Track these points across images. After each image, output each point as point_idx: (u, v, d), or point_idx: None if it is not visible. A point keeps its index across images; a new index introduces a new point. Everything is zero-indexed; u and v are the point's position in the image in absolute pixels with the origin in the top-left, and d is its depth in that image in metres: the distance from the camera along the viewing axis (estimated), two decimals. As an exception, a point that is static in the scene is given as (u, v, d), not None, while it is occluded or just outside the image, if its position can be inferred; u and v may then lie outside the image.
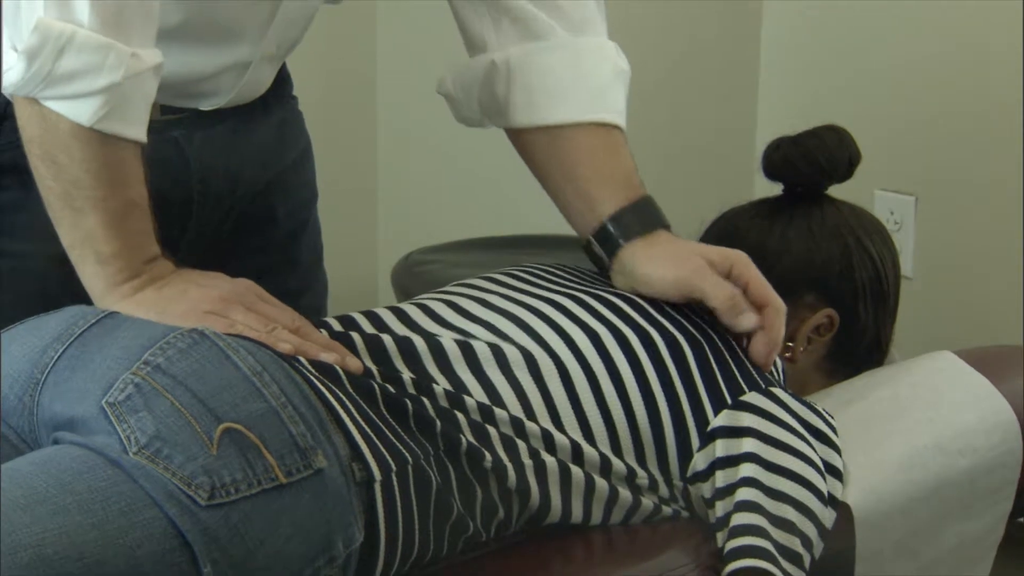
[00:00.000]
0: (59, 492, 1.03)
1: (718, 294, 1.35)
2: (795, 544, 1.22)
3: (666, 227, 1.43)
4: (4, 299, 1.33)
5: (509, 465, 1.20)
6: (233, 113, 1.46)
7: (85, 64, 1.18)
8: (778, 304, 1.37)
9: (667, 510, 1.30)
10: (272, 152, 1.55)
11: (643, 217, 1.42)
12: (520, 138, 1.49)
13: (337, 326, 1.31)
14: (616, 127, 1.46)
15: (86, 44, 1.18)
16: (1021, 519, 1.50)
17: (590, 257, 1.46)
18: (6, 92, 1.22)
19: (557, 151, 1.46)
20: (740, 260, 1.38)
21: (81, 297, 1.25)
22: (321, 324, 1.31)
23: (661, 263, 1.38)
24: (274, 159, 1.55)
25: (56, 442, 1.12)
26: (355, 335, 1.27)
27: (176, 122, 1.29)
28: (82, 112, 1.19)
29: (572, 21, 1.47)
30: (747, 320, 1.35)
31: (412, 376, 1.22)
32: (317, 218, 1.64)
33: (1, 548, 0.98)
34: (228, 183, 1.47)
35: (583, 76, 1.46)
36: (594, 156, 1.45)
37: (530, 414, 1.24)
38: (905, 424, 1.42)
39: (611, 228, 1.41)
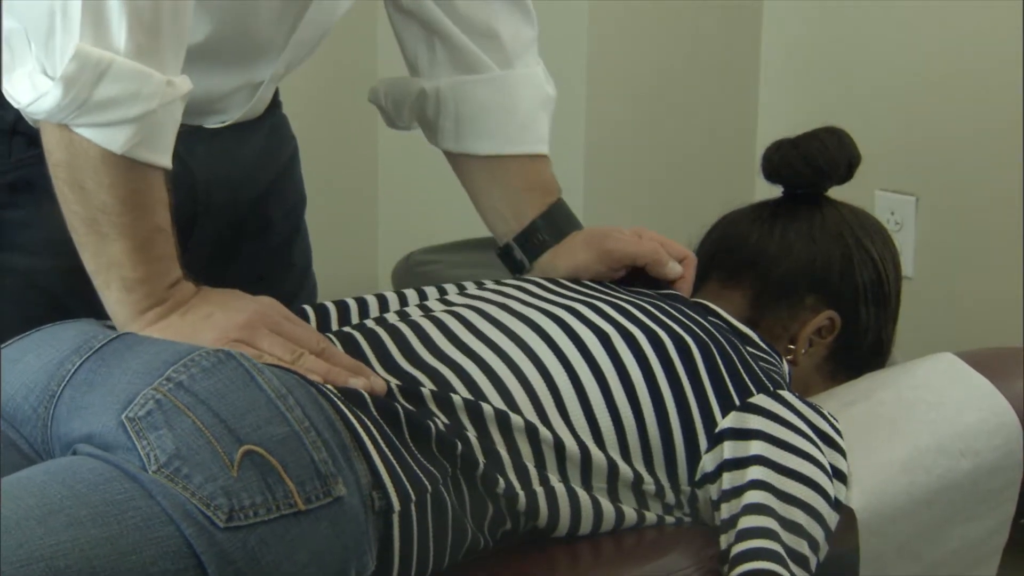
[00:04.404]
0: (74, 503, 1.02)
1: (644, 250, 1.47)
2: (803, 547, 1.22)
3: (579, 227, 1.55)
4: (16, 316, 1.32)
5: (521, 492, 1.20)
6: (231, 126, 1.46)
7: (122, 92, 1.17)
8: (692, 255, 1.51)
9: (670, 520, 1.30)
10: (267, 159, 1.55)
11: (564, 221, 1.54)
12: (447, 154, 1.59)
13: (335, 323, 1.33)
14: (539, 155, 1.55)
15: (123, 72, 1.16)
16: (1024, 521, 1.50)
17: (505, 262, 1.56)
18: (40, 119, 1.20)
19: (480, 173, 1.56)
20: (644, 228, 1.51)
21: (95, 314, 1.24)
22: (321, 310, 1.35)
23: (582, 249, 1.50)
24: (269, 165, 1.56)
25: (74, 453, 1.10)
26: (356, 334, 1.27)
27: (178, 136, 1.29)
28: (115, 140, 1.18)
29: (505, 55, 1.54)
30: (674, 269, 1.47)
31: (433, 389, 1.22)
32: (306, 223, 1.65)
33: (8, 559, 0.97)
34: (229, 193, 1.48)
35: (510, 111, 1.54)
36: (516, 175, 1.54)
37: (543, 418, 1.24)
38: (907, 426, 1.42)
39: (537, 230, 1.53)
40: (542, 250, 1.53)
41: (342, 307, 1.38)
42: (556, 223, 1.53)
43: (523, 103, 1.54)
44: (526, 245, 1.53)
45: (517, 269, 1.55)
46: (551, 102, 1.57)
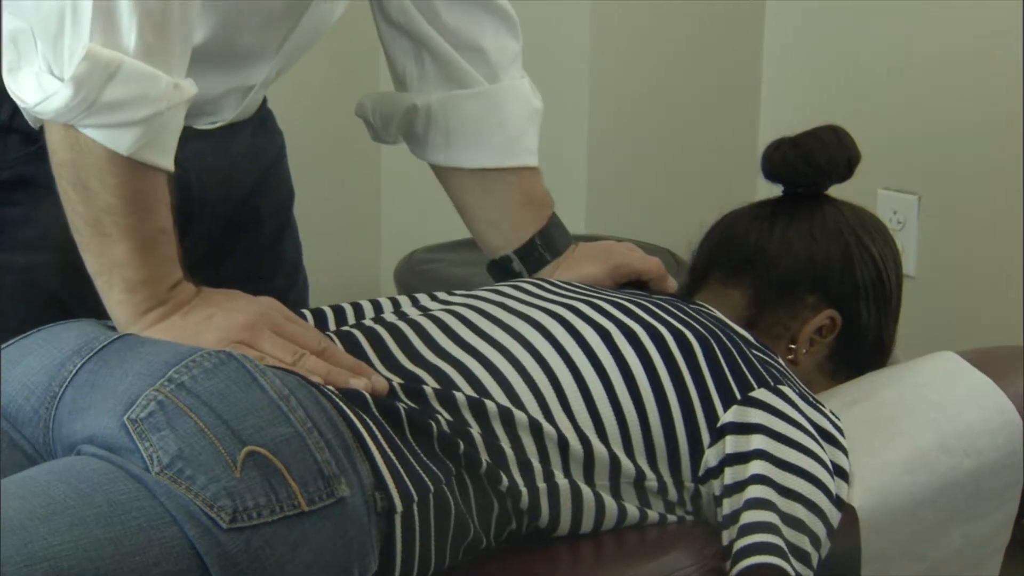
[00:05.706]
0: (78, 503, 1.02)
1: (650, 265, 1.54)
2: (804, 543, 1.22)
3: (571, 241, 1.59)
4: (16, 313, 1.32)
5: (524, 490, 1.21)
6: (222, 126, 1.47)
7: (130, 94, 1.17)
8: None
9: (672, 518, 1.30)
10: (256, 153, 1.56)
11: (561, 235, 1.58)
12: (435, 167, 1.60)
13: (332, 323, 1.33)
14: (528, 167, 1.58)
15: (132, 73, 1.16)
16: (1025, 521, 1.50)
17: (499, 272, 1.58)
18: (47, 119, 1.20)
19: (472, 185, 1.57)
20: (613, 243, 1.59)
21: (93, 308, 1.24)
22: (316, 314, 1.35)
23: (586, 263, 1.54)
24: (258, 159, 1.57)
25: (78, 453, 1.10)
26: (357, 332, 1.28)
27: None
28: (121, 142, 1.17)
29: (492, 68, 1.55)
30: (673, 282, 1.55)
31: (436, 387, 1.21)
32: (295, 218, 1.66)
33: (12, 559, 0.97)
34: (221, 189, 1.48)
35: (499, 124, 1.56)
36: (515, 189, 1.57)
37: (547, 414, 1.24)
38: (909, 425, 1.42)
39: (538, 244, 1.56)
40: (543, 264, 1.55)
41: (337, 311, 1.38)
42: (553, 238, 1.57)
43: (512, 116, 1.56)
44: (527, 259, 1.56)
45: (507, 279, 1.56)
46: (538, 115, 1.59)
